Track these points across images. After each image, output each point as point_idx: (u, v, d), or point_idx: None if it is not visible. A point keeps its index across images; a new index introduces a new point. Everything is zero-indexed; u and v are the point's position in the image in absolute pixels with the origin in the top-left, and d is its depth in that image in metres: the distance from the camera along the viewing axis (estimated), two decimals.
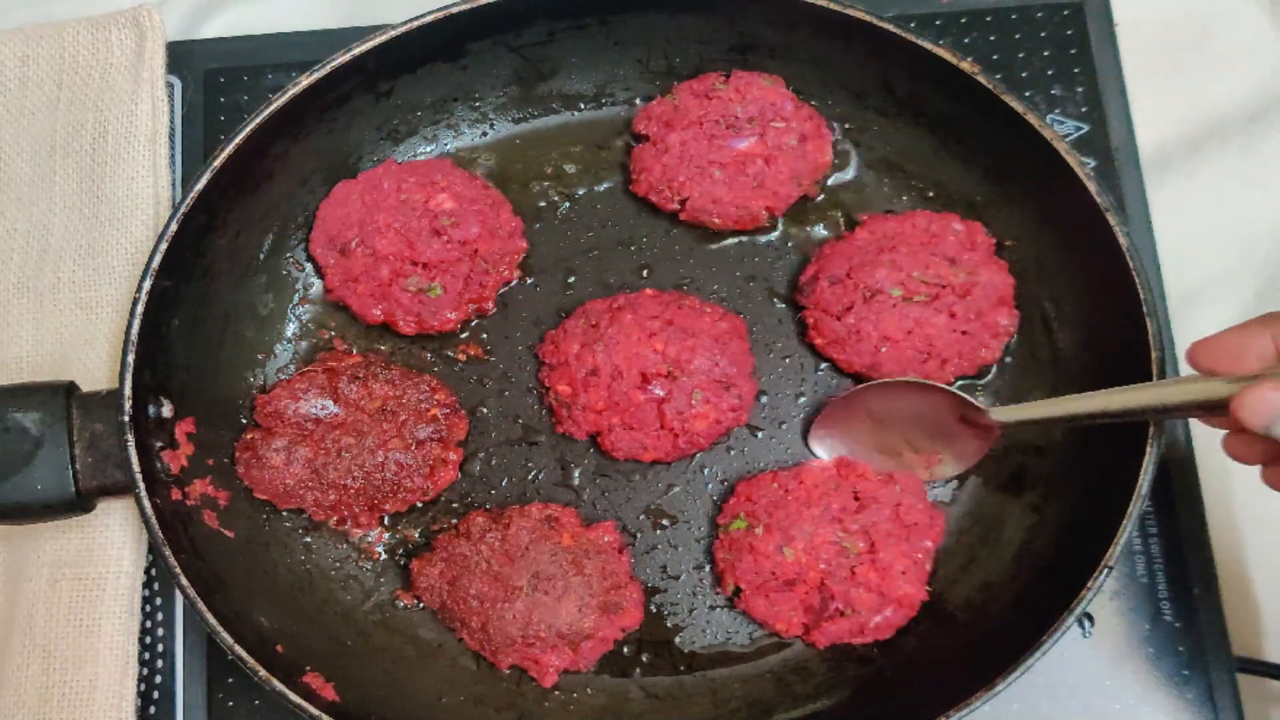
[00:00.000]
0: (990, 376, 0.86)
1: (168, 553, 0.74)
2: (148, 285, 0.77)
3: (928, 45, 0.81)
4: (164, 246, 0.78)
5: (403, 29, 0.83)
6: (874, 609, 0.78)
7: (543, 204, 0.92)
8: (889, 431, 0.83)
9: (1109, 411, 0.70)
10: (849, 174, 0.91)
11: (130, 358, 0.76)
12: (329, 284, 0.87)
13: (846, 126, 0.91)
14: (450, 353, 0.89)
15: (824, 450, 0.85)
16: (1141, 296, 0.77)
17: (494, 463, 0.87)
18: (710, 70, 0.91)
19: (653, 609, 0.84)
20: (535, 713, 0.81)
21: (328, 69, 0.82)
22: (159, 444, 0.79)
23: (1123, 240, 0.78)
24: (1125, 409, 0.69)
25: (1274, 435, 0.59)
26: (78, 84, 0.94)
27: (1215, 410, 0.63)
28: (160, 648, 0.86)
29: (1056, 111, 0.93)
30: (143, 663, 0.85)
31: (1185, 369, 0.81)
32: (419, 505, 0.86)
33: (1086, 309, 0.83)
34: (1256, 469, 0.87)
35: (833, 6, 0.82)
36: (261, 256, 0.89)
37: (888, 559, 0.78)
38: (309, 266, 0.90)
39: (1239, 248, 0.92)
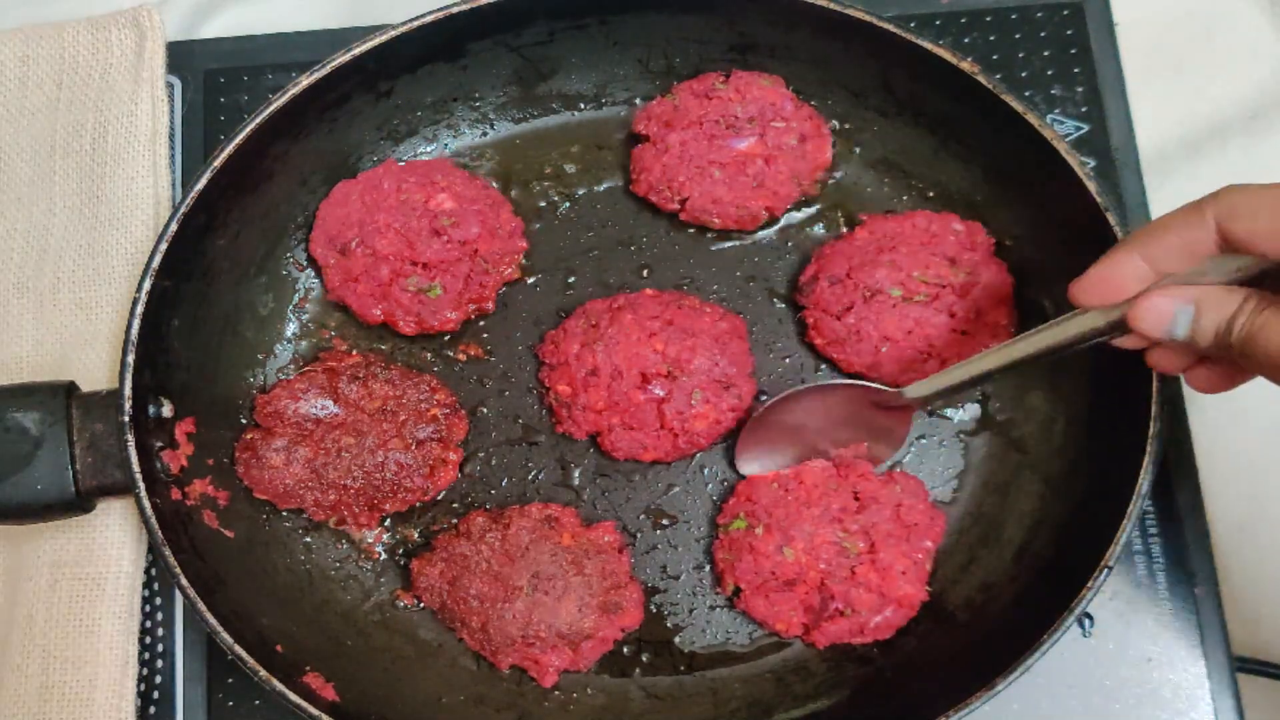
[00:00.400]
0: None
1: (168, 553, 0.74)
2: (148, 285, 0.77)
3: (928, 45, 0.81)
4: (164, 246, 0.78)
5: (403, 29, 0.83)
6: (874, 609, 0.78)
7: (543, 204, 0.92)
8: (811, 436, 0.83)
9: (1017, 360, 0.71)
10: (849, 174, 0.91)
11: (130, 358, 0.76)
12: (329, 284, 0.87)
13: (846, 126, 0.91)
14: (450, 353, 0.89)
15: (755, 471, 0.85)
16: None
17: (494, 463, 0.87)
18: (710, 70, 0.91)
19: (653, 609, 0.84)
20: (535, 713, 0.81)
21: (328, 69, 0.82)
22: (159, 444, 0.79)
23: None
24: (1032, 353, 0.70)
25: (1176, 338, 0.61)
26: (78, 84, 0.94)
27: (1118, 331, 0.65)
28: (160, 648, 0.86)
29: (1056, 111, 0.93)
30: (143, 663, 0.85)
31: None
32: (419, 505, 0.86)
33: None
34: (1256, 468, 0.88)
35: (833, 6, 0.82)
36: (261, 256, 0.89)
37: (888, 559, 0.78)
38: (309, 266, 0.90)
39: None
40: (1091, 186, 0.79)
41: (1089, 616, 0.83)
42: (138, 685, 0.84)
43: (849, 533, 0.79)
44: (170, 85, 0.95)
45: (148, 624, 0.86)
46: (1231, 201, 0.58)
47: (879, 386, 0.80)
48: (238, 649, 0.74)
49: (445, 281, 0.86)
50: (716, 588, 0.84)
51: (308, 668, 0.77)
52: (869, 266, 0.83)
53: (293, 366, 0.89)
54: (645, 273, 0.90)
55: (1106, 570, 0.72)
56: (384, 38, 0.83)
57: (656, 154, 0.88)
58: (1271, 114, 0.94)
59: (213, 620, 0.74)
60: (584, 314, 0.86)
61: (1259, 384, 0.88)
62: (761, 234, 0.90)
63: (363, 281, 0.86)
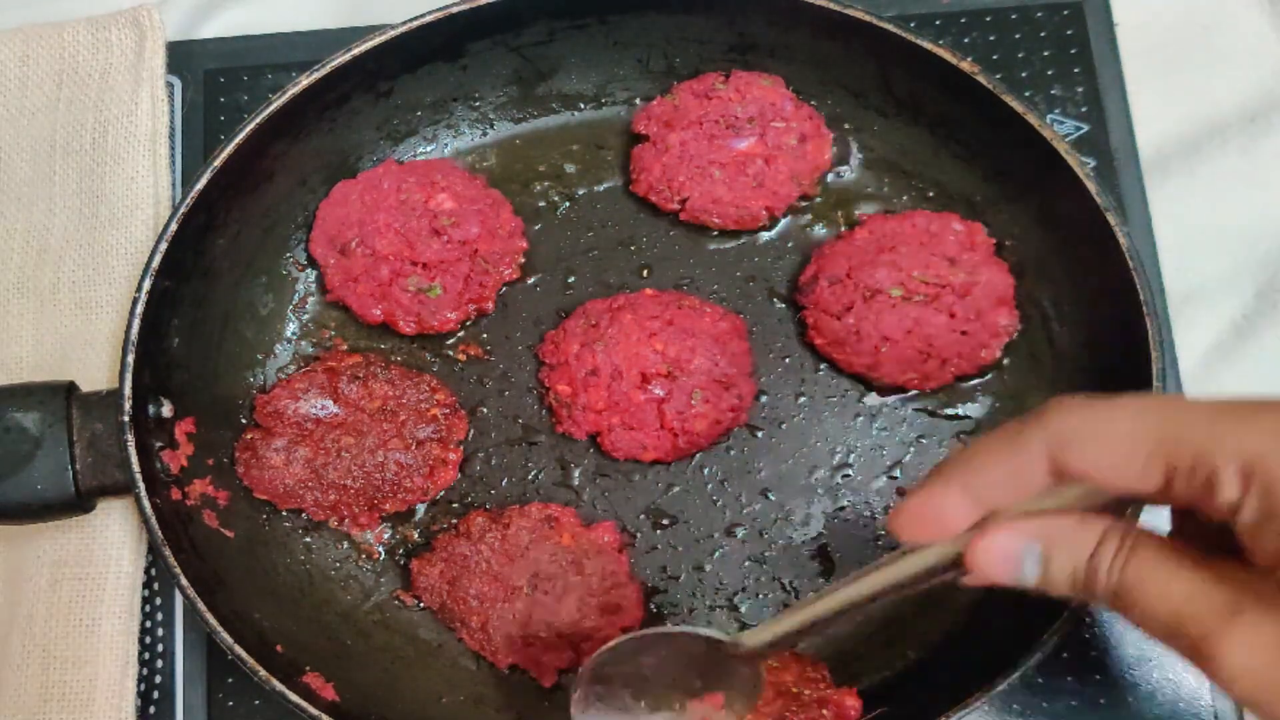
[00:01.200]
0: (990, 377, 0.86)
1: (168, 553, 0.74)
2: (148, 285, 0.78)
3: (928, 45, 0.81)
4: (164, 246, 0.78)
5: (403, 29, 0.83)
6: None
7: (543, 204, 0.92)
8: (658, 687, 0.69)
9: (855, 601, 0.58)
10: (849, 174, 0.91)
11: (130, 358, 0.76)
12: (329, 284, 0.87)
13: (846, 126, 0.91)
14: (450, 353, 0.89)
15: None
16: (1141, 296, 0.77)
17: (494, 463, 0.87)
18: (710, 70, 0.91)
19: (653, 609, 0.84)
20: (535, 713, 0.81)
21: (328, 69, 0.82)
22: (159, 444, 0.79)
23: (1123, 240, 0.78)
24: (868, 594, 0.57)
25: (1028, 584, 0.52)
26: (78, 84, 0.94)
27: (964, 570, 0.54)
28: (160, 648, 0.86)
29: (1056, 111, 0.93)
30: (143, 663, 0.85)
31: (1179, 374, 0.81)
32: (419, 505, 0.86)
33: (1086, 309, 0.83)
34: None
35: (833, 6, 0.82)
36: (261, 256, 0.89)
37: None
38: (309, 266, 0.90)
39: (1239, 248, 0.92)
40: (1091, 186, 0.79)
41: (1089, 616, 0.83)
42: (138, 685, 0.84)
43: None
44: (170, 85, 0.95)
45: (148, 624, 0.86)
46: (1060, 429, 0.50)
47: (716, 635, 0.66)
48: (238, 649, 0.74)
49: (445, 281, 0.86)
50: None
51: (308, 668, 0.77)
52: (869, 266, 0.83)
53: (293, 366, 0.89)
54: (645, 273, 0.90)
55: None
56: (384, 38, 0.83)
57: (656, 154, 0.88)
58: (1271, 114, 0.94)
59: (213, 620, 0.74)
60: (584, 314, 0.86)
61: (1258, 384, 0.89)
62: (761, 234, 0.90)
63: (363, 281, 0.86)
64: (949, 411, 0.87)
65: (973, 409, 0.87)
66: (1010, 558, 0.52)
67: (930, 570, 0.55)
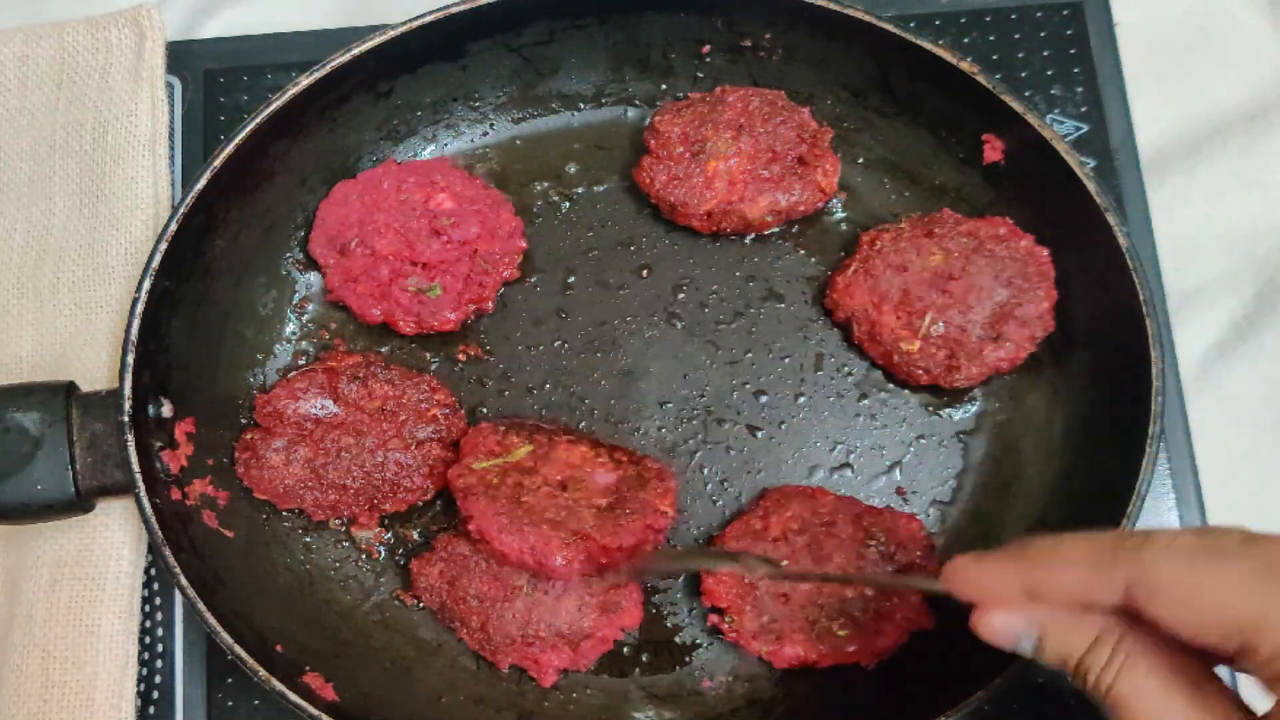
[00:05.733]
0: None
1: (167, 553, 0.74)
2: (147, 285, 0.78)
3: (927, 45, 0.82)
4: (164, 246, 0.78)
5: (403, 29, 0.83)
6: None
7: (543, 204, 0.92)
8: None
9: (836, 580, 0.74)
10: (849, 174, 0.91)
11: (130, 358, 0.76)
12: (329, 284, 0.87)
13: (846, 126, 0.91)
14: (450, 353, 0.89)
15: None
16: (1141, 296, 0.77)
17: None
18: (709, 71, 0.91)
19: (652, 609, 0.84)
20: (535, 713, 0.81)
21: (328, 69, 0.82)
22: (159, 444, 0.79)
23: (1122, 240, 0.78)
24: (861, 581, 0.73)
25: (1024, 654, 0.56)
26: (77, 84, 0.94)
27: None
28: (160, 648, 0.86)
29: (1056, 111, 0.93)
30: (142, 663, 0.85)
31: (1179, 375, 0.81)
32: (419, 505, 0.86)
33: (1087, 308, 0.83)
34: (1255, 467, 0.88)
35: (833, 6, 0.82)
36: (261, 256, 0.89)
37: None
38: (309, 267, 0.90)
39: (1239, 248, 0.92)
40: (1091, 186, 0.79)
41: None
42: (138, 685, 0.84)
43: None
44: (170, 85, 0.95)
45: (148, 624, 0.86)
46: (1155, 580, 0.50)
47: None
48: (238, 649, 0.74)
49: (445, 281, 0.86)
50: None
51: (308, 668, 0.77)
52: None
53: (293, 367, 0.89)
54: (645, 273, 0.90)
55: None
56: (384, 38, 0.83)
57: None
58: (1271, 114, 0.94)
59: (213, 620, 0.74)
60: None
61: (1257, 383, 0.89)
62: (762, 234, 0.90)
63: (362, 281, 0.86)
64: (949, 411, 0.87)
65: (973, 409, 0.87)
66: (1008, 635, 0.56)
67: (929, 592, 0.64)
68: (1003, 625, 0.56)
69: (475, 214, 0.87)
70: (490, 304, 0.89)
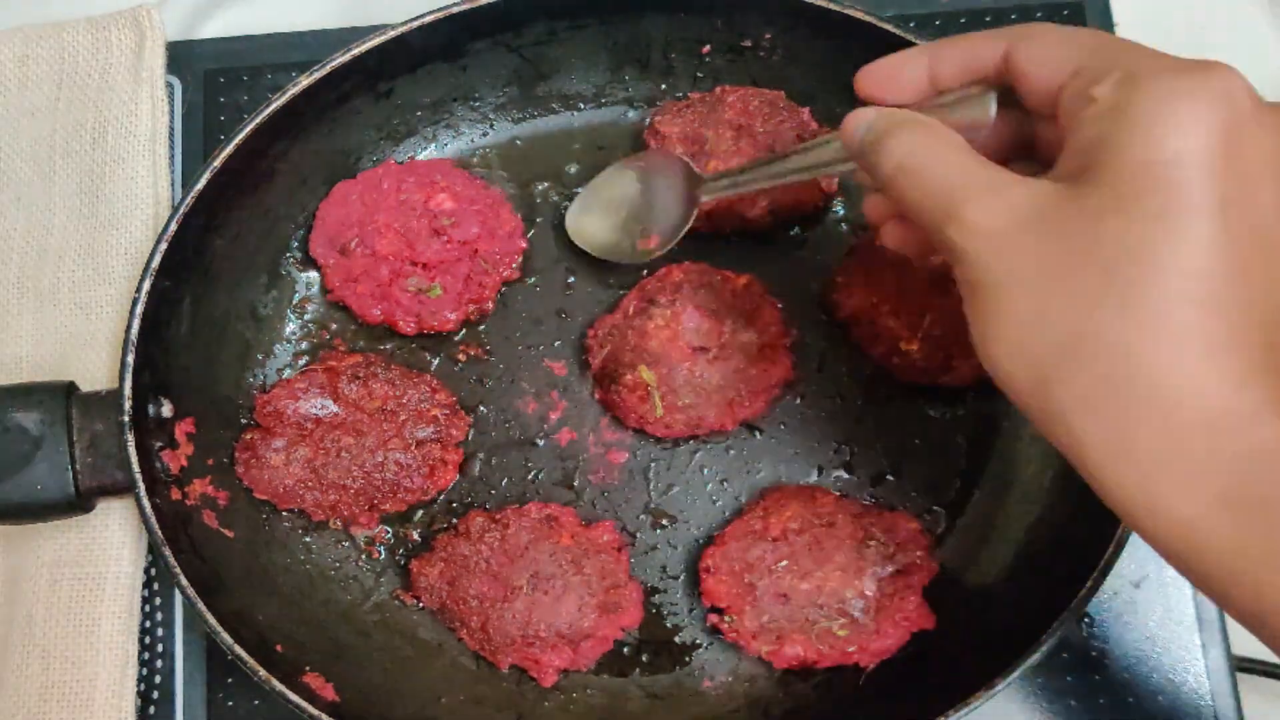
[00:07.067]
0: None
1: (168, 553, 0.74)
2: (148, 285, 0.78)
3: None
4: (164, 246, 0.78)
5: (403, 29, 0.83)
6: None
7: (543, 204, 0.92)
8: (628, 211, 0.87)
9: (778, 173, 0.73)
10: (848, 175, 0.91)
11: (130, 358, 0.76)
12: (329, 284, 0.87)
13: None
14: (450, 353, 0.89)
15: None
16: None
17: (494, 463, 0.87)
18: (709, 71, 0.91)
19: (652, 609, 0.84)
20: (535, 713, 0.81)
21: (328, 69, 0.82)
22: (159, 444, 0.79)
23: None
24: (788, 169, 0.72)
25: (864, 154, 0.59)
26: (78, 84, 0.94)
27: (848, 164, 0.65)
28: (160, 648, 0.86)
29: None
30: (142, 663, 0.85)
31: None
32: (419, 505, 0.86)
33: None
34: None
35: (833, 6, 0.82)
36: (261, 256, 0.89)
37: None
38: (309, 267, 0.90)
39: None
40: None
41: (1089, 616, 0.83)
42: (138, 685, 0.84)
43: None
44: (170, 85, 0.95)
45: (148, 624, 0.86)
46: (1028, 32, 0.56)
47: (691, 165, 0.84)
48: (238, 649, 0.74)
49: (445, 281, 0.86)
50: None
51: (308, 668, 0.77)
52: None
53: (293, 366, 0.89)
54: (645, 273, 0.90)
55: (1106, 570, 0.72)
56: (384, 38, 0.83)
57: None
58: None
59: (213, 620, 0.74)
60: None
61: None
62: (762, 234, 0.90)
63: (363, 281, 0.86)
64: (949, 411, 0.87)
65: (973, 409, 0.87)
66: (860, 125, 0.60)
67: (828, 162, 0.68)
68: (860, 116, 0.60)
69: (475, 214, 0.87)
70: (490, 304, 0.89)
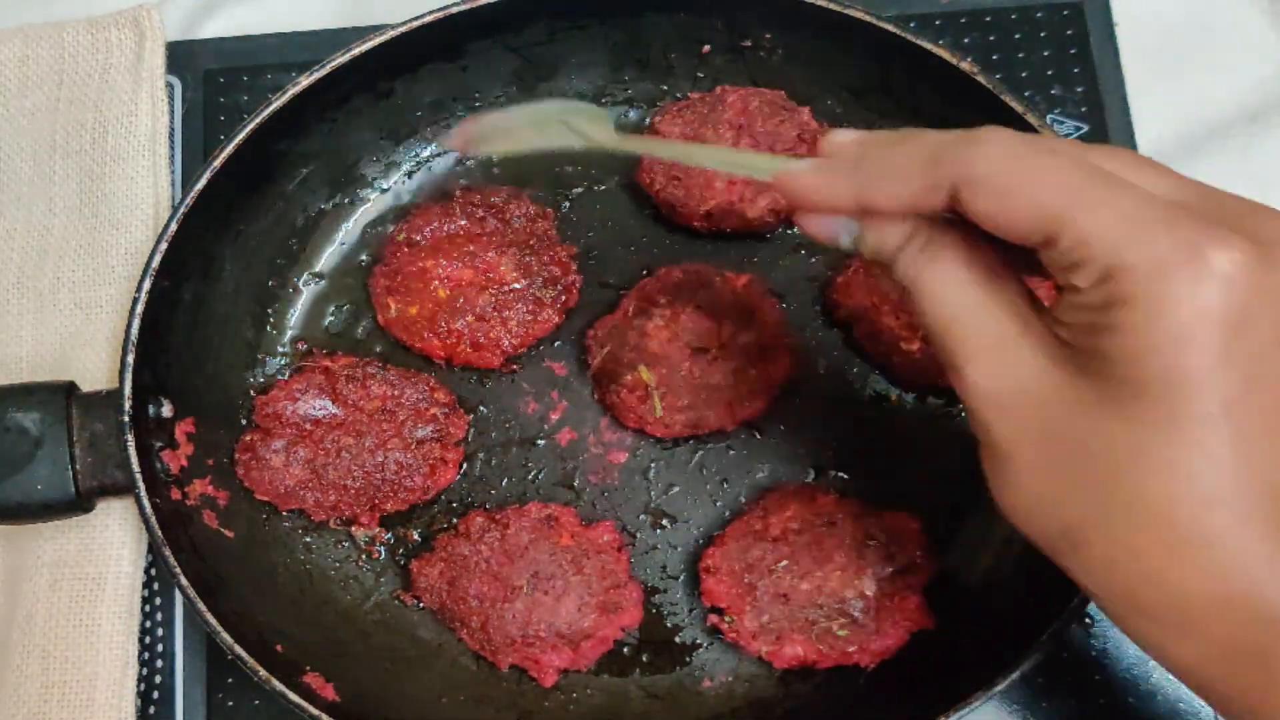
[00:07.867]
0: None
1: (168, 553, 0.74)
2: (147, 285, 0.78)
3: (927, 45, 0.81)
4: (164, 246, 0.78)
5: (403, 29, 0.83)
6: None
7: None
8: None
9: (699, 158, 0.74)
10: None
11: (130, 358, 0.76)
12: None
13: (846, 126, 0.91)
14: None
15: None
16: None
17: (494, 463, 0.87)
18: (709, 71, 0.91)
19: (652, 609, 0.84)
20: (535, 713, 0.81)
21: (328, 69, 0.82)
22: (159, 444, 0.79)
23: None
24: (715, 159, 0.71)
25: (844, 247, 0.57)
26: (78, 84, 0.94)
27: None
28: (160, 648, 0.86)
29: (1056, 111, 0.93)
30: (142, 663, 0.85)
31: None
32: (419, 505, 0.86)
33: None
34: None
35: (833, 6, 0.82)
36: (262, 257, 0.88)
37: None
38: (309, 267, 0.90)
39: None
40: None
41: (1089, 616, 0.83)
42: (138, 685, 0.84)
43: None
44: (170, 85, 0.96)
45: (148, 624, 0.86)
46: (977, 175, 0.49)
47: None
48: (238, 649, 0.74)
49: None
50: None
51: (308, 668, 0.77)
52: None
53: (292, 367, 0.89)
54: (645, 273, 0.90)
55: None
56: (384, 38, 0.83)
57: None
58: (1271, 114, 0.94)
59: (213, 620, 0.74)
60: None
61: None
62: (762, 234, 0.90)
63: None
64: (949, 412, 0.87)
65: None
66: (830, 231, 0.57)
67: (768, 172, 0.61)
68: (828, 222, 0.57)
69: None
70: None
